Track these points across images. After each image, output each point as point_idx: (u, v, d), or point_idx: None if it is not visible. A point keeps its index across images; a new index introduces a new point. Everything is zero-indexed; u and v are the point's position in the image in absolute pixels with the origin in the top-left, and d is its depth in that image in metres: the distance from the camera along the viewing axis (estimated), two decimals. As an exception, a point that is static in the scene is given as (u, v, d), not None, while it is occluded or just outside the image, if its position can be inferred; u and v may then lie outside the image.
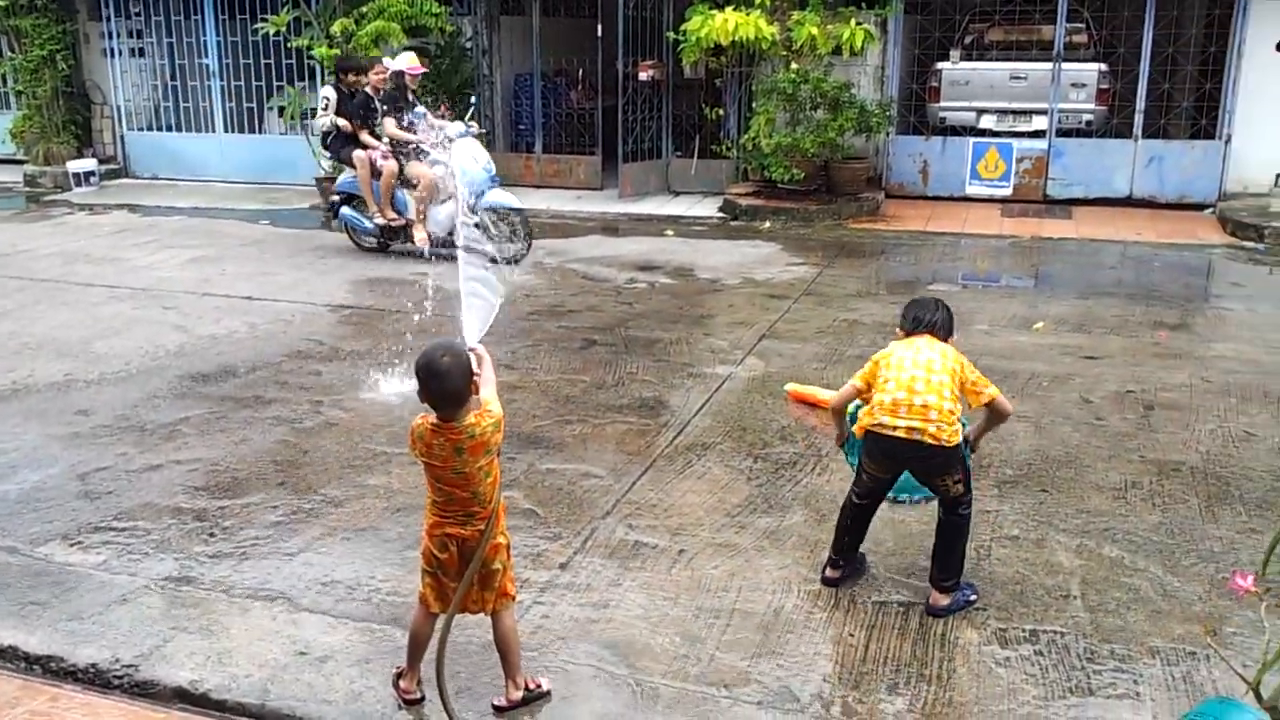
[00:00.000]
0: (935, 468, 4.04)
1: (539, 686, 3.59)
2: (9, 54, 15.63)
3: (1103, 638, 3.92)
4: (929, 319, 4.24)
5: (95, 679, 3.76)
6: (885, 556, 4.51)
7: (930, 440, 3.93)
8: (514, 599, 3.59)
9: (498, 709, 3.53)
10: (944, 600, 4.11)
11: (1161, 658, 3.79)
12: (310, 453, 5.67)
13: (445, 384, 3.25)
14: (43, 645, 3.92)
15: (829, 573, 4.32)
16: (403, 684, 3.59)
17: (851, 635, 3.96)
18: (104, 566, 4.49)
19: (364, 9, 12.61)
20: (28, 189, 14.92)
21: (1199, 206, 12.17)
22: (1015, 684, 3.66)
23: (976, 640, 3.92)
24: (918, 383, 3.98)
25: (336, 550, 4.62)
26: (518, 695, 3.53)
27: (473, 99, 12.53)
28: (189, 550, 4.62)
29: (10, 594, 4.27)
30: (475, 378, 3.33)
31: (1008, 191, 12.81)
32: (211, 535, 4.75)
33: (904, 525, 4.78)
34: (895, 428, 3.97)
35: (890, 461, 4.12)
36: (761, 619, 4.07)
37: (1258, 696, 2.14)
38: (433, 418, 3.30)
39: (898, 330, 4.35)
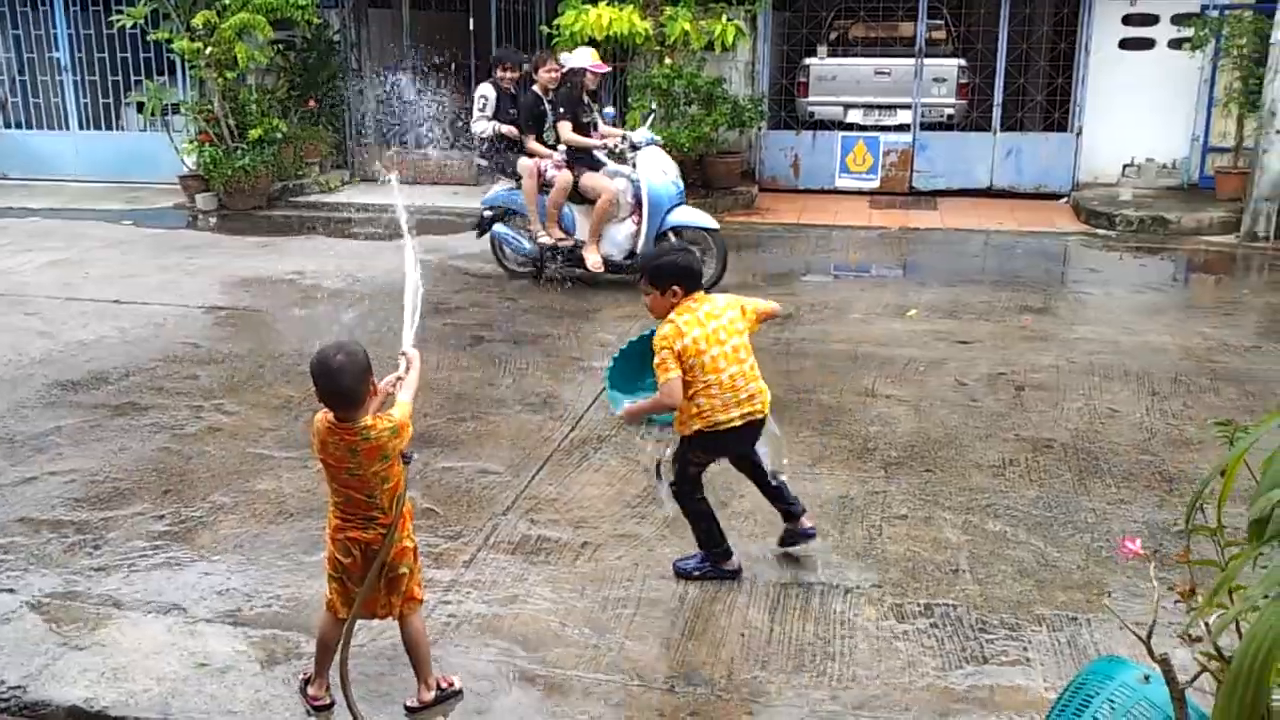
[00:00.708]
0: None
1: (450, 685, 3.58)
2: None
3: (992, 608, 4.11)
4: (699, 274, 4.19)
5: (-20, 703, 3.59)
6: (783, 540, 4.63)
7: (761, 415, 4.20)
8: (421, 601, 3.57)
9: (410, 710, 3.51)
10: (810, 524, 4.43)
11: (1047, 624, 4.00)
12: (194, 459, 5.50)
13: (336, 382, 3.20)
14: (-82, 671, 3.72)
15: (733, 565, 4.38)
16: (311, 690, 3.53)
17: (756, 618, 4.05)
18: (-20, 585, 4.27)
19: (227, 0, 12.23)
20: None
21: (1055, 196, 12.77)
22: (915, 656, 3.81)
23: (875, 616, 4.07)
24: (738, 379, 4.10)
25: (230, 558, 4.50)
26: (429, 696, 3.51)
27: (653, 104, 11.45)
28: (73, 564, 4.43)
29: (-122, 619, 4.04)
30: (376, 384, 3.29)
31: (875, 184, 13.21)
32: (96, 548, 4.57)
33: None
34: (731, 420, 4.11)
35: (733, 446, 4.29)
36: (668, 606, 4.13)
37: (1149, 651, 2.29)
38: (331, 416, 3.26)
39: (676, 290, 4.07)
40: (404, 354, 3.43)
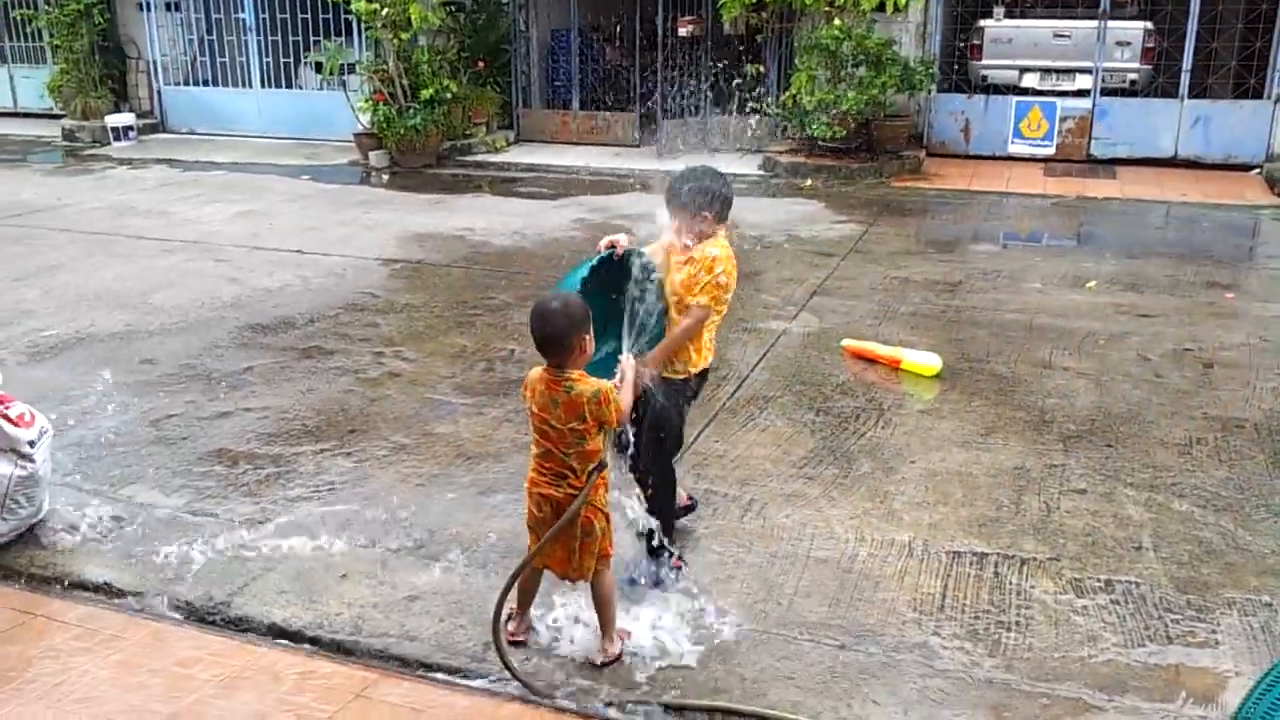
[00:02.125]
0: None
1: (630, 636, 3.63)
2: (45, 8, 15.64)
3: (1178, 588, 3.95)
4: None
5: (190, 615, 3.85)
6: (956, 508, 4.55)
7: None
8: (609, 558, 3.56)
9: (599, 666, 3.56)
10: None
11: (1238, 608, 3.83)
12: (376, 402, 5.74)
13: (547, 326, 3.28)
14: (136, 583, 4.02)
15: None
16: (510, 626, 3.64)
17: (928, 584, 4.01)
18: (186, 508, 4.58)
19: (404, -37, 12.56)
20: (66, 143, 14.97)
21: (1245, 167, 12.03)
22: (1094, 631, 3.71)
23: (1053, 589, 3.97)
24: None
25: (413, 495, 4.69)
26: (615, 649, 3.56)
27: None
28: (268, 494, 4.71)
29: (99, 534, 4.36)
30: (589, 342, 3.31)
31: (1050, 151, 12.70)
32: (289, 480, 4.84)
33: (972, 478, 4.82)
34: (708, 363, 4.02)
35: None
36: (837, 567, 4.12)
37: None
38: (545, 366, 3.35)
39: (706, 216, 3.84)
40: (624, 362, 3.48)
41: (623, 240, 3.83)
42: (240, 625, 3.79)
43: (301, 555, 4.21)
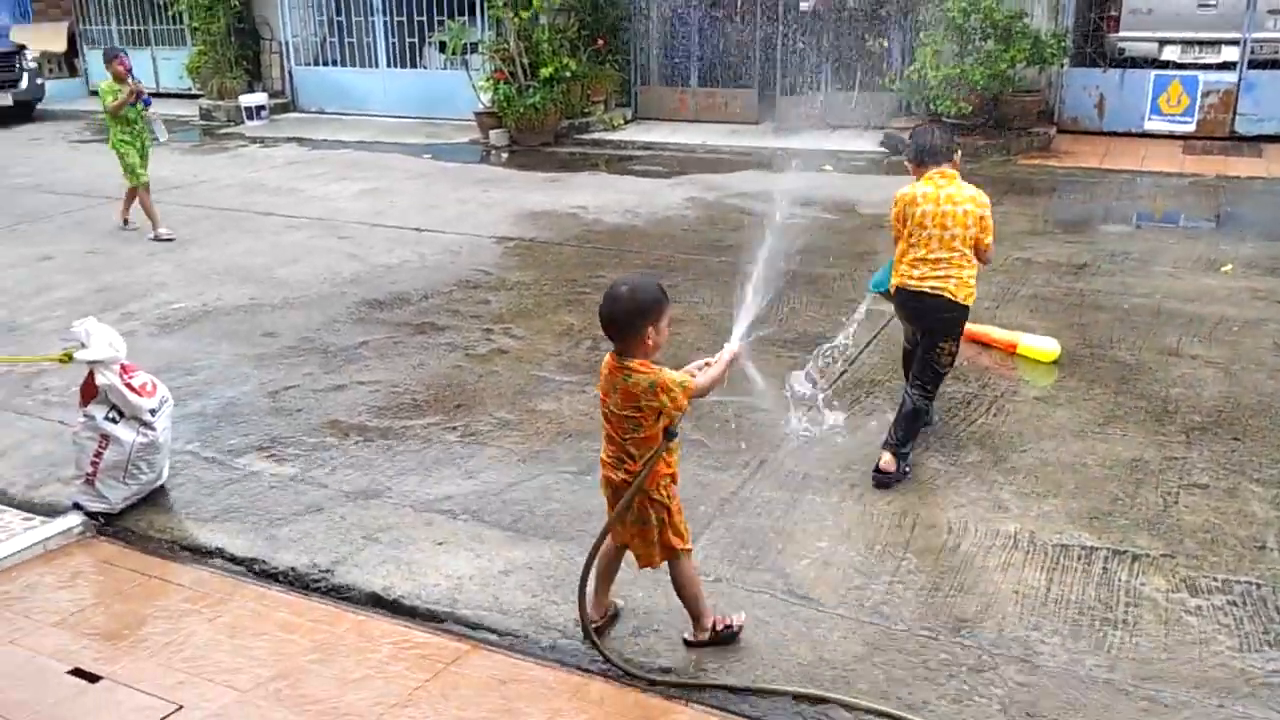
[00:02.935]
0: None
1: (729, 626, 3.55)
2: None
3: (1304, 591, 3.74)
4: (928, 151, 4.69)
5: (295, 582, 3.99)
6: (1066, 499, 4.39)
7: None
8: (686, 551, 3.49)
9: (686, 643, 3.56)
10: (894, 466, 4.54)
11: (1370, 615, 3.60)
12: (483, 377, 5.83)
13: (608, 310, 3.24)
14: (246, 549, 4.18)
15: (884, 463, 4.55)
16: (590, 609, 3.64)
17: (1032, 577, 3.88)
18: (297, 477, 4.73)
19: (525, -58, 12.65)
20: (203, 122, 15.61)
21: None
22: (1208, 633, 3.53)
23: (1164, 587, 3.79)
24: (935, 250, 4.51)
25: (514, 470, 4.76)
26: (703, 636, 3.54)
27: None
28: (376, 465, 4.83)
29: (214, 500, 4.56)
30: (657, 331, 3.25)
31: (1191, 127, 12.08)
32: (396, 452, 4.95)
33: (1086, 469, 4.64)
34: (912, 283, 4.58)
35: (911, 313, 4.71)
36: (938, 557, 4.02)
37: None
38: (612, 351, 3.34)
39: (907, 165, 4.81)
40: (728, 346, 3.43)
41: None
42: (342, 593, 3.91)
43: (403, 526, 4.31)
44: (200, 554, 4.17)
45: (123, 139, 8.81)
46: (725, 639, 3.54)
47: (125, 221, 9.27)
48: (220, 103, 15.73)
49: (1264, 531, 4.12)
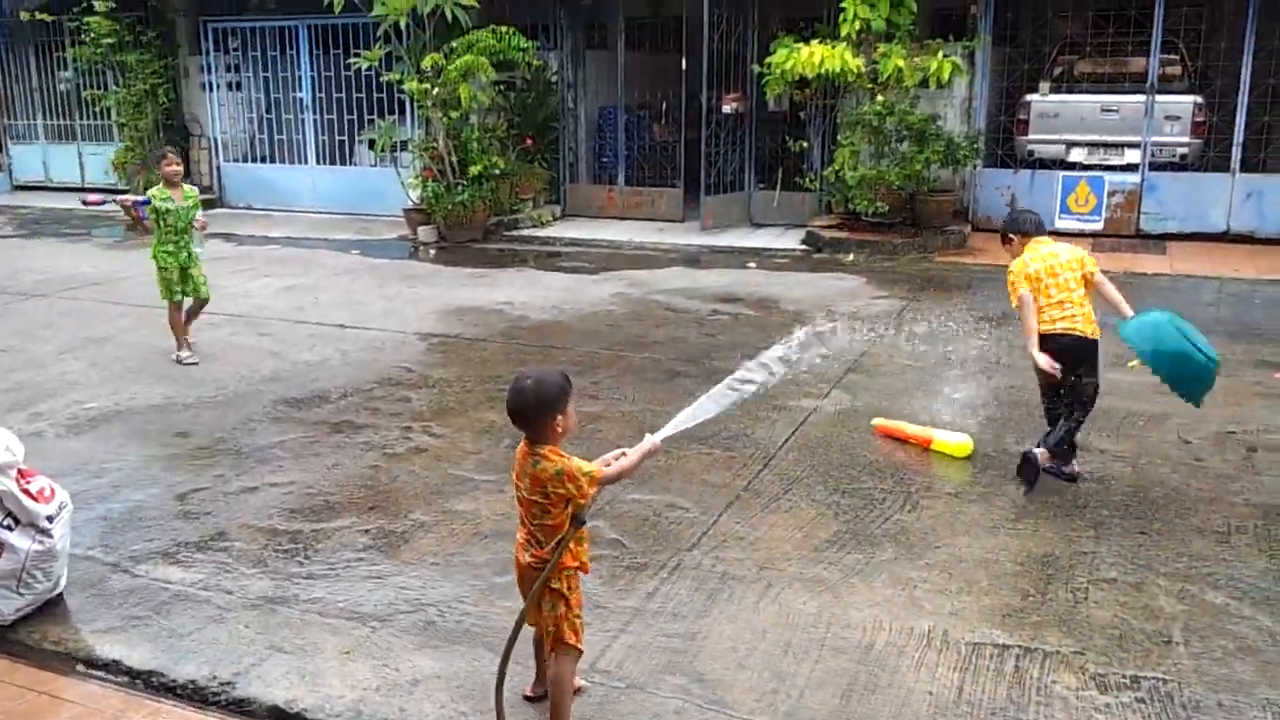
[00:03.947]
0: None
1: None
2: (114, 88, 16.27)
3: (1209, 686, 3.78)
4: (1027, 224, 5.76)
5: (194, 695, 3.84)
6: (979, 596, 4.42)
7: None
8: (575, 649, 3.48)
9: None
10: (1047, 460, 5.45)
11: (1274, 710, 3.65)
12: (400, 478, 5.76)
13: (515, 402, 3.32)
14: (145, 660, 4.02)
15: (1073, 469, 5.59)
16: (531, 688, 3.73)
17: (945, 676, 3.88)
18: (202, 585, 4.59)
19: (453, 44, 12.89)
20: (126, 218, 15.41)
21: (1301, 242, 11.80)
22: (1117, 731, 3.55)
23: (1075, 684, 3.81)
24: (1065, 302, 5.49)
25: (426, 574, 4.67)
26: None
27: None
28: (284, 571, 4.71)
29: (113, 609, 4.39)
30: (565, 420, 3.32)
31: (1099, 225, 12.57)
32: (306, 557, 4.84)
33: (998, 564, 4.68)
34: (1054, 328, 5.50)
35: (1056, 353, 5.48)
36: (852, 656, 4.01)
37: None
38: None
39: (1011, 238, 5.78)
40: (649, 437, 3.46)
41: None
42: (243, 706, 3.77)
43: (310, 635, 4.19)
44: (95, 666, 4.01)
45: (166, 250, 7.91)
46: None
47: (184, 345, 8.03)
48: (145, 198, 15.61)
49: (1170, 626, 4.18)
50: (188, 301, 8.10)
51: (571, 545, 3.37)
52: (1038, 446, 5.51)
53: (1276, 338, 8.41)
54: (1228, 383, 7.13)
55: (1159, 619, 4.23)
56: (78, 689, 3.85)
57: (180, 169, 8.02)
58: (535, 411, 3.29)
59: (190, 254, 8.01)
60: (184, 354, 7.96)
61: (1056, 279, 5.48)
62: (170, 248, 7.92)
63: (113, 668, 4.00)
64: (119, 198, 8.24)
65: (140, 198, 8.10)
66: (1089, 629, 4.16)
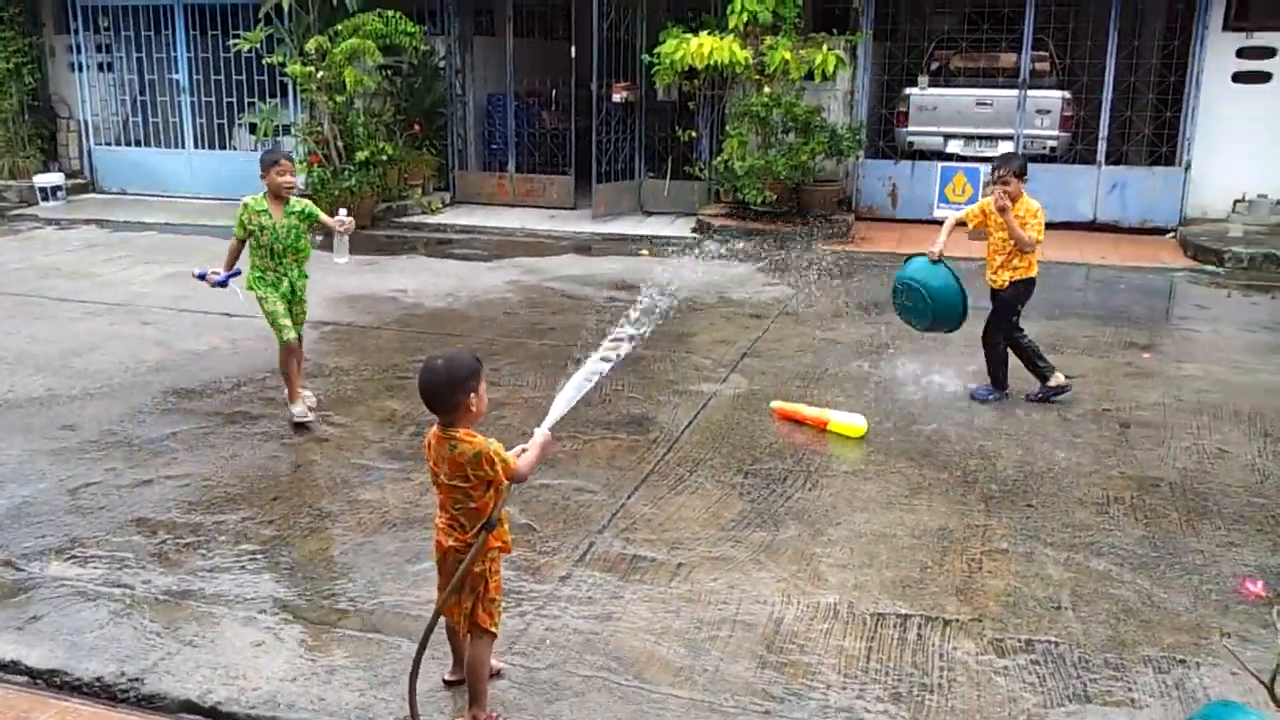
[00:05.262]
0: None
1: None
2: (-28, 67, 15.44)
3: (1096, 647, 4.02)
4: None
5: (101, 692, 3.74)
6: (880, 569, 4.60)
7: None
8: (489, 633, 3.49)
9: None
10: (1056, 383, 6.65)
11: (1154, 666, 3.90)
12: (301, 468, 5.67)
13: (429, 383, 3.32)
14: (45, 659, 3.90)
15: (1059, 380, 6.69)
16: (449, 673, 3.76)
17: (852, 646, 4.03)
18: (101, 580, 4.46)
19: (339, 27, 12.64)
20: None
21: (1160, 231, 12.47)
22: (1015, 692, 3.75)
23: (974, 650, 4.01)
24: None
25: (336, 565, 4.63)
26: None
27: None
28: (187, 564, 4.61)
29: (9, 609, 4.24)
30: (478, 401, 3.34)
31: (975, 215, 13.01)
32: (208, 550, 4.74)
33: (896, 539, 4.87)
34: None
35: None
36: (763, 630, 4.13)
37: (1273, 697, 2.23)
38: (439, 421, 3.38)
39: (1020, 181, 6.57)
40: (539, 431, 3.47)
41: (937, 251, 6.83)
42: (153, 703, 3.69)
43: (218, 628, 4.12)
44: (-8, 668, 3.87)
45: (261, 277, 6.21)
46: None
47: (297, 398, 6.29)
48: (11, 183, 14.88)
49: (1059, 592, 4.42)
50: (289, 334, 6.23)
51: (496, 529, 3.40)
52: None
53: (1142, 321, 8.90)
54: (1099, 363, 7.56)
55: (1049, 586, 4.47)
56: (-24, 691, 3.71)
57: (294, 182, 6.21)
58: (449, 390, 3.29)
59: (293, 285, 6.31)
60: (296, 409, 6.20)
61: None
62: (269, 275, 6.20)
63: (11, 668, 3.87)
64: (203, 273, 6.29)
65: (214, 274, 6.27)
66: (985, 597, 4.38)
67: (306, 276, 6.44)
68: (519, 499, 5.21)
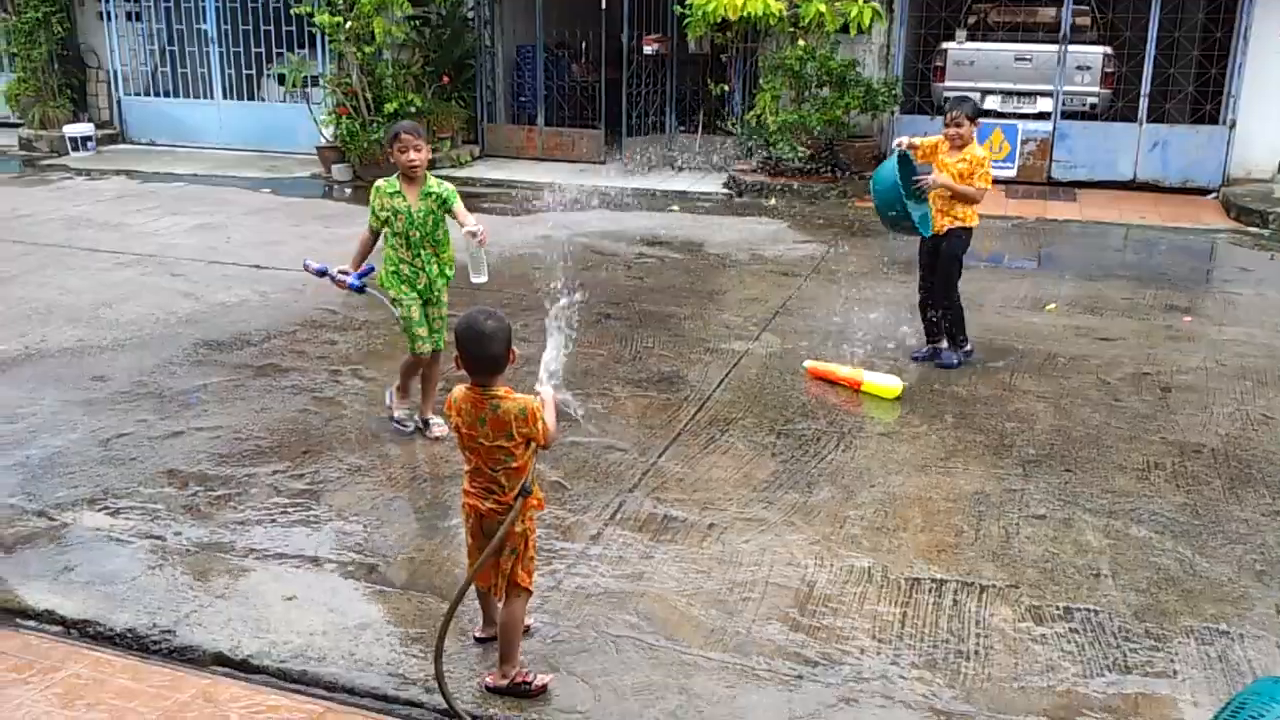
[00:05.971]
0: None
1: (526, 683, 3.46)
2: (2, 16, 15.39)
3: (1136, 616, 3.95)
4: None
5: (134, 644, 3.75)
6: (915, 533, 4.53)
7: None
8: (527, 590, 3.48)
9: (487, 688, 3.49)
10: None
11: (1196, 637, 3.83)
12: (332, 421, 5.65)
13: (485, 348, 3.26)
14: (79, 610, 3.91)
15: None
16: (478, 630, 3.75)
17: (886, 611, 3.98)
18: (133, 531, 4.47)
19: (368, -24, 12.48)
20: (23, 153, 14.74)
21: (1203, 191, 12.20)
22: (1053, 660, 3.69)
23: (1011, 617, 3.95)
24: None
25: (366, 518, 4.61)
26: (502, 683, 3.47)
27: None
28: (218, 517, 4.60)
29: (43, 558, 4.25)
30: (515, 352, 3.34)
31: (1012, 173, 12.80)
32: (239, 502, 4.74)
33: (931, 503, 4.80)
34: None
35: None
36: (796, 593, 4.08)
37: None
38: (469, 384, 3.32)
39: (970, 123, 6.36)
40: (543, 391, 3.38)
41: (905, 141, 6.56)
42: (185, 655, 3.69)
43: (249, 581, 4.12)
44: (28, 617, 3.88)
45: (393, 270, 5.33)
46: (521, 693, 3.45)
47: (401, 402, 5.60)
48: (43, 132, 14.89)
49: (1098, 560, 4.35)
50: (424, 345, 5.39)
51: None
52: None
53: (1182, 283, 8.72)
54: (1140, 326, 7.42)
55: (1087, 553, 4.39)
56: (13, 640, 3.72)
57: (420, 157, 5.19)
58: (502, 348, 3.27)
59: (431, 283, 5.39)
60: (399, 413, 5.56)
61: None
62: (405, 270, 5.31)
63: (46, 618, 3.88)
64: (309, 265, 5.43)
65: (343, 274, 5.33)
66: (1022, 563, 4.31)
67: (449, 277, 5.49)
68: (548, 457, 5.16)
